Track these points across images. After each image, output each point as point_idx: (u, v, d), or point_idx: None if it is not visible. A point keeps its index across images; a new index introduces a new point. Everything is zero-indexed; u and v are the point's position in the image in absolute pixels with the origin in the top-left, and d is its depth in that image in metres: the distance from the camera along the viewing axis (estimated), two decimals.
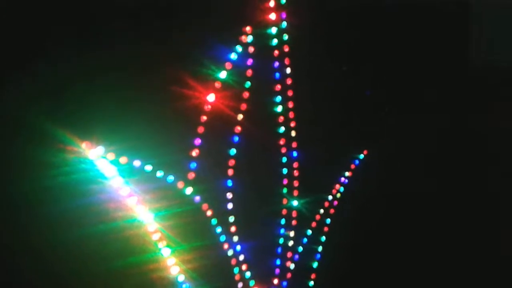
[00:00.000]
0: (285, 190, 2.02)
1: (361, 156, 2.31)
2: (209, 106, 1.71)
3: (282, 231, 2.03)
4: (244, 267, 1.90)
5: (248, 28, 1.81)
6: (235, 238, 1.85)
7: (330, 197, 2.20)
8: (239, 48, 1.78)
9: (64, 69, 1.38)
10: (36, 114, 1.30)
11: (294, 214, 2.05)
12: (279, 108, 1.97)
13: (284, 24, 1.93)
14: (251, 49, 1.83)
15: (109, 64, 1.48)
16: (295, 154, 2.03)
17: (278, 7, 1.90)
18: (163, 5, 1.67)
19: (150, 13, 1.67)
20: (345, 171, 2.28)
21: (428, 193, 2.48)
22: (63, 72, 1.39)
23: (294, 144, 2.03)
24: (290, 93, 2.00)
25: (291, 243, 2.05)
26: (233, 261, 1.86)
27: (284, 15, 1.92)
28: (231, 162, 1.80)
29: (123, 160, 1.45)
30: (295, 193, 2.04)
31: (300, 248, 2.09)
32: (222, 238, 1.80)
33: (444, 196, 2.50)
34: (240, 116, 1.82)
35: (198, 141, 1.68)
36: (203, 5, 1.73)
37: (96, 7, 1.58)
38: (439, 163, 2.51)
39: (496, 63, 2.56)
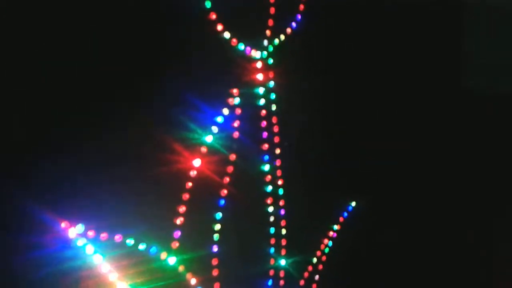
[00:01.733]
0: (272, 250, 1.99)
1: (350, 208, 2.31)
2: (195, 172, 1.69)
3: None
4: None
5: (235, 90, 1.81)
6: None
7: (318, 253, 2.18)
8: (226, 111, 1.78)
9: None
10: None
11: (281, 274, 2.02)
12: (267, 167, 1.96)
13: (272, 83, 1.93)
14: (238, 111, 1.82)
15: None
16: (282, 212, 2.02)
17: (266, 68, 1.90)
18: (148, 66, 1.66)
19: (134, 75, 1.66)
20: (334, 224, 2.26)
21: (421, 242, 2.47)
22: None
23: (281, 202, 2.00)
24: (277, 151, 1.99)
25: None
26: None
27: (271, 75, 1.92)
28: (217, 227, 1.77)
29: (103, 236, 1.42)
30: (283, 252, 2.01)
31: None
32: None
33: (439, 242, 2.49)
34: (226, 179, 1.80)
35: (182, 209, 1.65)
36: (189, 67, 1.72)
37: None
38: (430, 212, 2.51)
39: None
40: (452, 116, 2.54)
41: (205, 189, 1.72)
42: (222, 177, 1.78)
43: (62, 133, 1.39)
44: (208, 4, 1.65)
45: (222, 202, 1.79)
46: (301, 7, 1.99)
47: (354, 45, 2.23)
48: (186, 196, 1.67)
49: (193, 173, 1.68)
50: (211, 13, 1.66)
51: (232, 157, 1.81)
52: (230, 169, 1.80)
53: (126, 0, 1.51)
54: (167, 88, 1.68)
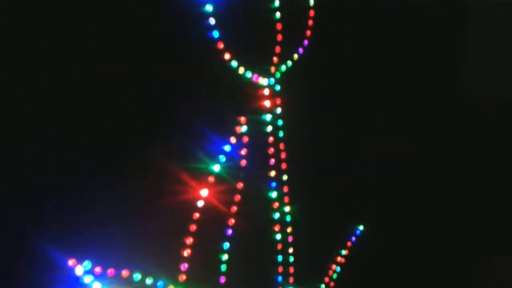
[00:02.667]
0: (280, 278, 1.96)
1: (358, 232, 2.28)
2: (202, 202, 1.67)
3: None
4: None
5: (242, 118, 1.80)
6: None
7: (326, 279, 2.15)
8: (233, 140, 1.76)
9: None
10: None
11: None
12: (274, 194, 1.94)
13: (279, 110, 1.92)
14: (245, 139, 1.80)
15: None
16: (290, 239, 1.99)
17: (273, 94, 1.89)
18: (155, 96, 1.64)
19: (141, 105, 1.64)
20: (342, 249, 2.23)
21: (429, 264, 2.44)
22: None
23: (289, 229, 1.98)
24: (284, 177, 1.97)
25: None
26: None
27: (278, 101, 1.91)
28: (225, 257, 1.75)
29: (110, 272, 1.40)
30: (291, 280, 1.99)
31: None
32: None
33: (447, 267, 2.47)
34: (234, 208, 1.78)
35: (189, 240, 1.63)
36: (196, 96, 1.71)
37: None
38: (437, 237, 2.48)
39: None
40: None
41: (212, 220, 1.69)
42: (229, 206, 1.76)
43: (69, 169, 1.38)
44: (216, 34, 1.64)
45: (230, 231, 1.77)
46: (308, 33, 1.98)
47: (359, 68, 2.23)
48: (193, 227, 1.64)
49: (200, 203, 1.67)
50: (219, 42, 1.66)
51: (240, 185, 1.79)
52: (237, 198, 1.78)
53: (135, 32, 1.51)
54: (174, 117, 1.67)
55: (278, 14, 1.83)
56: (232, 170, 1.76)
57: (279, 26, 1.85)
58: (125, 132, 1.57)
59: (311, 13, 1.99)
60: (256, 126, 1.84)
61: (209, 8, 1.60)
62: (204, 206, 1.66)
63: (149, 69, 1.60)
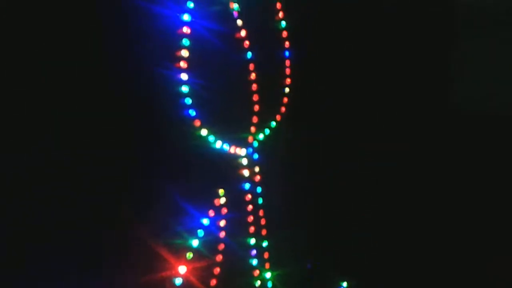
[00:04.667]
0: None
1: None
2: (180, 280, 1.66)
3: None
4: None
5: (221, 190, 1.80)
6: None
7: None
8: (211, 213, 1.77)
9: None
10: None
11: None
12: (254, 262, 1.94)
13: (258, 177, 1.93)
14: (224, 211, 1.81)
15: None
16: None
17: (251, 163, 1.89)
18: (131, 173, 1.65)
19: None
20: None
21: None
22: None
23: None
24: (265, 244, 1.97)
25: None
26: None
27: (257, 169, 1.92)
28: None
29: None
30: None
31: None
32: None
33: None
34: (213, 281, 1.78)
35: None
36: (175, 171, 1.71)
37: None
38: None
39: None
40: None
41: None
42: (209, 280, 1.76)
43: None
44: (192, 113, 1.66)
45: None
46: (285, 99, 2.01)
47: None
48: None
49: (178, 281, 1.66)
50: (196, 120, 1.67)
51: (219, 257, 1.79)
52: (216, 270, 1.78)
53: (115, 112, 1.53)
54: (152, 192, 1.68)
55: (254, 86, 1.87)
56: (211, 243, 1.76)
57: (255, 97, 1.88)
58: (103, 207, 1.58)
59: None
60: (235, 196, 1.86)
61: (185, 89, 1.63)
62: (182, 284, 1.66)
63: (126, 145, 1.62)
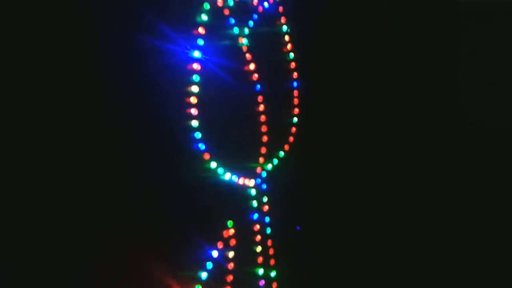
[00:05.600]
0: None
1: None
2: None
3: None
4: None
5: (229, 222, 1.81)
6: None
7: None
8: (220, 245, 1.77)
9: None
10: None
11: None
12: None
13: (266, 207, 1.94)
14: (233, 242, 1.81)
15: None
16: None
17: (260, 194, 1.90)
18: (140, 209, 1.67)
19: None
20: None
21: None
22: None
23: None
24: (273, 273, 1.97)
25: None
26: None
27: (265, 199, 1.93)
28: None
29: None
30: None
31: None
32: None
33: None
34: None
35: None
36: (185, 204, 1.72)
37: None
38: None
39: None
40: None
41: None
42: None
43: None
44: (202, 146, 1.67)
45: None
46: (293, 129, 2.03)
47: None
48: None
49: None
50: (205, 153, 1.69)
51: None
52: None
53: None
54: (162, 225, 1.69)
55: (263, 118, 1.89)
56: (220, 275, 1.77)
57: (264, 128, 1.90)
58: (111, 240, 1.59)
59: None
60: (243, 227, 1.87)
61: (195, 123, 1.64)
62: None
63: (137, 178, 1.64)
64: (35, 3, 1.44)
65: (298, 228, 2.14)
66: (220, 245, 1.77)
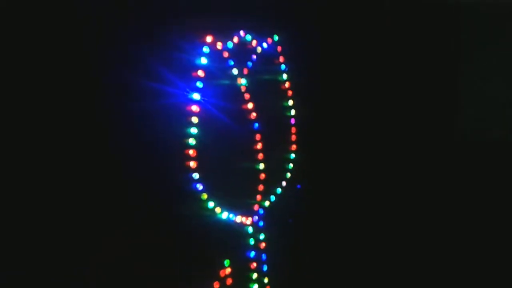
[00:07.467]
0: None
1: None
2: None
3: None
4: None
5: (227, 261, 1.80)
6: None
7: None
8: (216, 285, 1.75)
9: None
10: None
11: None
12: None
13: (263, 245, 1.91)
14: (229, 281, 1.81)
15: None
16: None
17: (257, 231, 1.89)
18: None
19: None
20: None
21: None
22: None
23: None
24: None
25: None
26: None
27: (262, 237, 1.93)
28: None
29: None
30: None
31: None
32: None
33: None
34: None
35: None
36: (181, 242, 1.72)
37: None
38: None
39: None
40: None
41: None
42: None
43: None
44: (199, 187, 1.67)
45: None
46: (291, 165, 2.04)
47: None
48: None
49: None
50: (203, 193, 1.69)
51: None
52: None
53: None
54: (158, 264, 1.68)
55: (260, 156, 1.89)
56: None
57: (261, 166, 1.88)
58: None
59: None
60: (240, 266, 1.86)
61: (193, 164, 1.64)
62: None
63: (133, 219, 1.64)
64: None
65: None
66: (216, 285, 1.76)
